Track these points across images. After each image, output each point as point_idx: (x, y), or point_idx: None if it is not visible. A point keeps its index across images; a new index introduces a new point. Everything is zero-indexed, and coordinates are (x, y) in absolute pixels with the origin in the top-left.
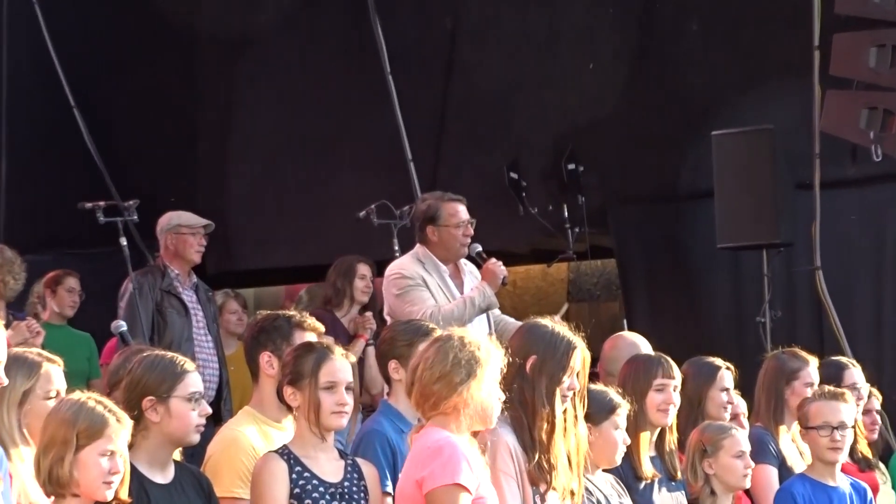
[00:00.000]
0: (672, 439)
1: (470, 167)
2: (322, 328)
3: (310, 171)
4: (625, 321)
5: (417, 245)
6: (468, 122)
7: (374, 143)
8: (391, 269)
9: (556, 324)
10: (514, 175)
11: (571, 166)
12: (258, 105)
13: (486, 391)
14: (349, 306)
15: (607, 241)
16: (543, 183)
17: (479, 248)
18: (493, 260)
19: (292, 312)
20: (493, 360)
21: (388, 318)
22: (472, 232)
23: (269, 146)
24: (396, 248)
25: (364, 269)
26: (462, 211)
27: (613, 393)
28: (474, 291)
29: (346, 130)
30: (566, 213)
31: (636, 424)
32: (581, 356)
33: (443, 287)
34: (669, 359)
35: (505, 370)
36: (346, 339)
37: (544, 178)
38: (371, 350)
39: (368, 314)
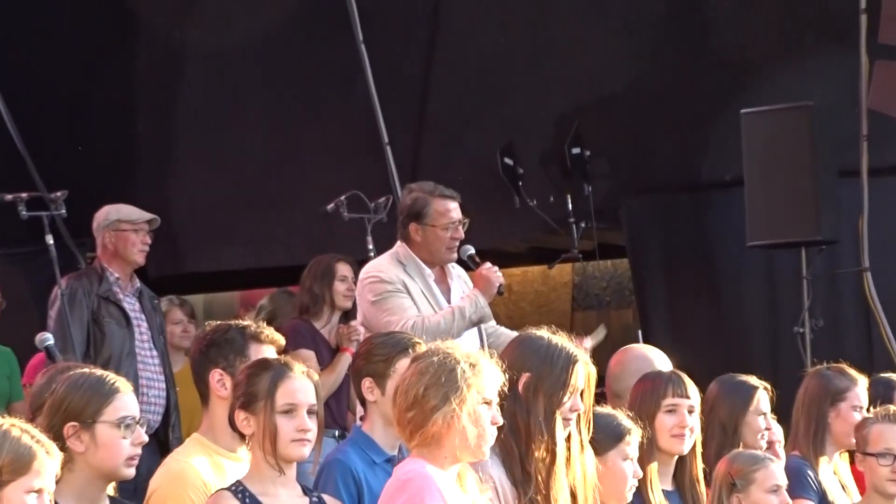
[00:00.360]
0: (696, 470)
1: (456, 151)
2: (282, 341)
3: (269, 157)
4: (639, 332)
5: (398, 243)
6: (454, 98)
7: (344, 124)
8: (366, 271)
9: (553, 334)
10: (508, 161)
11: (576, 150)
12: (207, 79)
13: (471, 417)
14: (329, 314)
15: (618, 239)
16: (543, 170)
17: (472, 251)
18: (488, 265)
19: (247, 322)
20: (485, 379)
21: (361, 330)
22: (462, 234)
23: (220, 127)
24: (371, 246)
25: (344, 270)
26: (454, 210)
27: (622, 417)
28: (465, 301)
29: (312, 109)
30: (570, 206)
31: (646, 453)
32: (585, 371)
33: (427, 294)
34: (683, 375)
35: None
36: (329, 352)
37: (544, 165)
38: None
39: (354, 323)
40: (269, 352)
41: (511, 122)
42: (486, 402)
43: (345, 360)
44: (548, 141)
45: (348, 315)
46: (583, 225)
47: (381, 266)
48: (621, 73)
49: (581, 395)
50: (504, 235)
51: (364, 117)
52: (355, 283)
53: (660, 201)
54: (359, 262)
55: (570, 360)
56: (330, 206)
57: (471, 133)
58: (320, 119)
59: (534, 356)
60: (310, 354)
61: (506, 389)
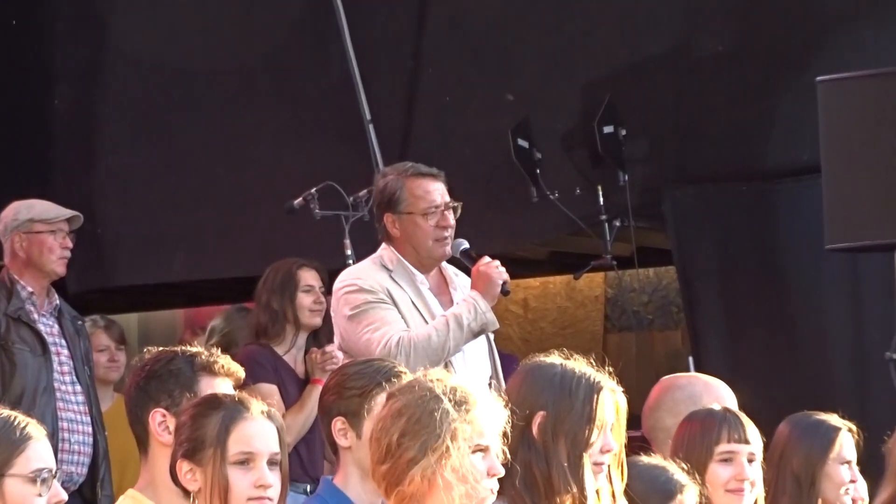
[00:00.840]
0: None
1: (458, 132)
2: (241, 372)
3: (221, 142)
4: (690, 359)
5: (382, 246)
6: (454, 64)
7: (316, 97)
8: (342, 279)
9: (566, 359)
10: (523, 143)
11: (608, 129)
12: (140, 38)
13: (457, 473)
14: (293, 335)
15: (662, 241)
16: (567, 154)
17: (466, 245)
18: (487, 259)
19: (196, 349)
20: (476, 421)
21: (339, 354)
22: (451, 222)
23: (161, 104)
24: (350, 251)
25: (310, 278)
26: (434, 190)
27: (675, 469)
28: (461, 306)
29: (273, 78)
30: (601, 199)
31: None
32: (613, 401)
33: (419, 305)
34: (741, 414)
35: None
36: (296, 385)
37: (568, 148)
38: None
39: (330, 347)
40: (224, 386)
41: (526, 94)
42: (481, 450)
43: (317, 394)
44: (573, 117)
45: (318, 336)
46: (617, 223)
47: (360, 272)
48: (665, 33)
49: (610, 430)
50: (518, 237)
51: (340, 91)
52: (325, 295)
53: (714, 193)
54: (335, 271)
55: (593, 389)
56: (297, 201)
57: (475, 109)
58: (285, 94)
59: (547, 389)
60: (271, 389)
61: (509, 431)
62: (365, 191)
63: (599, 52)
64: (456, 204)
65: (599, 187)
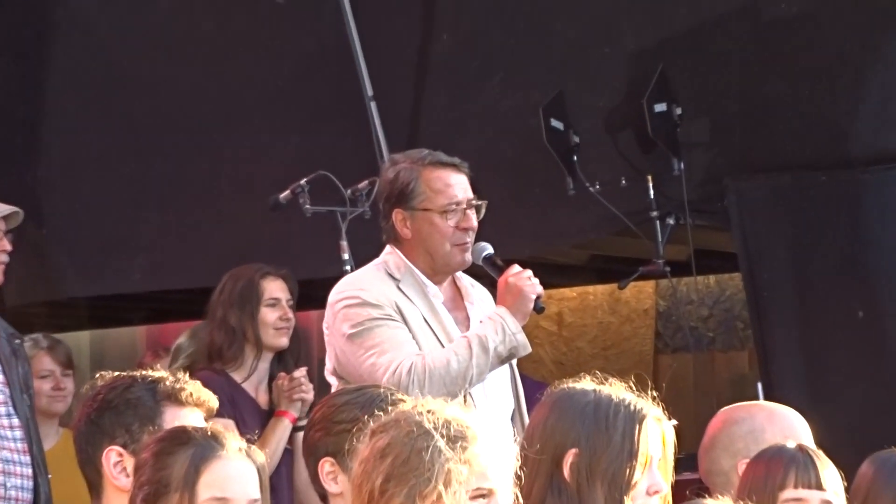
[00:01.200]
0: None
1: (477, 111)
2: (214, 401)
3: (191, 125)
4: (759, 386)
5: (388, 249)
6: (474, 28)
7: (305, 68)
8: (340, 289)
9: (601, 384)
10: (556, 123)
11: (660, 107)
12: (96, 6)
13: None
14: (255, 358)
15: (725, 242)
16: (610, 137)
17: (490, 251)
18: (517, 268)
19: (160, 374)
20: (476, 460)
21: (333, 380)
22: (474, 224)
23: (115, 79)
24: (347, 255)
25: (275, 289)
26: (456, 183)
27: None
28: (486, 325)
29: (252, 46)
30: (651, 192)
31: None
32: (659, 431)
33: (433, 323)
34: (816, 452)
35: (522, 477)
36: (257, 418)
37: (611, 129)
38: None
39: (300, 373)
40: (193, 418)
41: (560, 65)
42: (482, 495)
43: (282, 429)
44: (617, 93)
45: (284, 359)
46: (671, 221)
47: (363, 281)
48: None
49: (655, 465)
50: (550, 238)
51: (335, 60)
52: (293, 309)
53: (788, 185)
54: (329, 281)
55: (635, 419)
56: (284, 195)
57: (498, 82)
58: (267, 64)
59: (579, 421)
60: (226, 424)
61: (522, 471)
62: (366, 182)
63: (650, 13)
64: (480, 202)
65: (649, 177)
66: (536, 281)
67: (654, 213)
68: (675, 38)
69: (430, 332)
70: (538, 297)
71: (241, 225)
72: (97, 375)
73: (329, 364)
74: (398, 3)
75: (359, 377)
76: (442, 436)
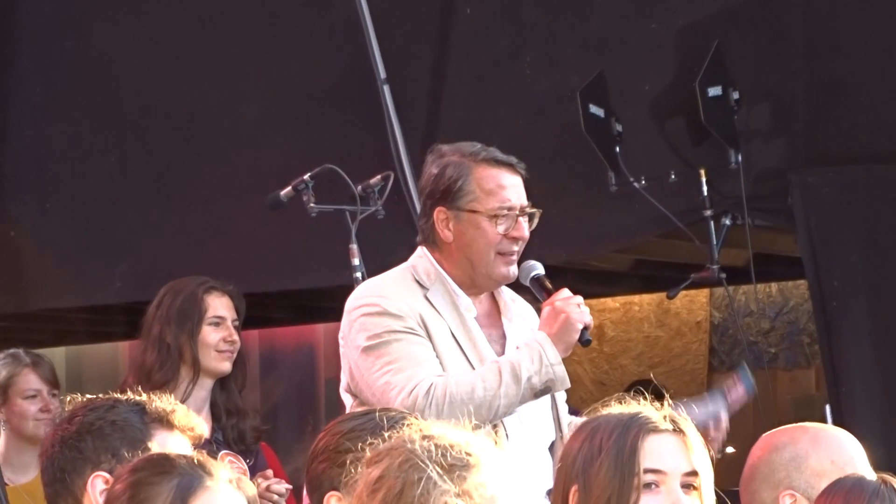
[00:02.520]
0: None
1: (507, 94)
2: (202, 427)
3: (177, 111)
4: (827, 408)
5: (418, 251)
6: (500, 4)
7: (309, 48)
8: (359, 295)
9: (623, 403)
10: (596, 110)
11: (714, 91)
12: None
13: None
14: (190, 383)
15: (789, 245)
16: (657, 125)
17: (540, 270)
18: (566, 293)
19: (146, 396)
20: (476, 493)
21: (347, 399)
22: (525, 234)
23: (92, 57)
24: (357, 260)
25: (220, 305)
26: (511, 186)
27: None
28: (522, 352)
29: (248, 21)
30: (704, 188)
31: None
32: (680, 444)
33: (462, 341)
34: None
35: None
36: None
37: (659, 116)
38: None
39: (275, 480)
40: (181, 444)
41: (599, 43)
42: None
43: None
44: (664, 75)
45: (226, 385)
46: (727, 222)
47: (385, 287)
48: None
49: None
50: (590, 241)
51: (343, 39)
52: (237, 330)
53: (861, 179)
54: (340, 291)
55: (629, 438)
56: (285, 192)
57: (530, 63)
58: (265, 44)
59: (578, 456)
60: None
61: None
62: (378, 177)
63: None
64: (534, 210)
65: (702, 171)
66: (587, 310)
67: (708, 213)
68: (732, 12)
69: (457, 349)
70: (585, 328)
71: (237, 226)
72: (71, 398)
73: (343, 379)
74: None
75: (372, 396)
76: (437, 465)
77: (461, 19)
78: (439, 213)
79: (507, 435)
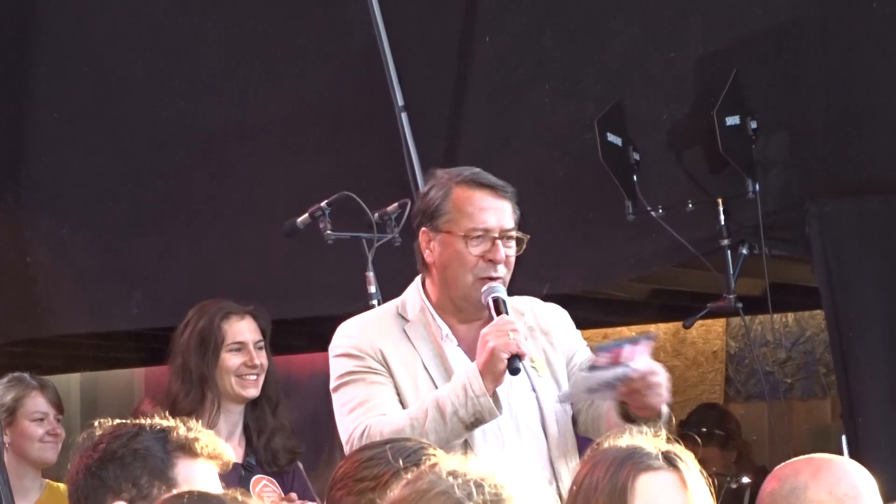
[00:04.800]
0: None
1: (523, 124)
2: (229, 454)
3: (194, 137)
4: (843, 439)
5: (417, 278)
6: (520, 30)
7: (327, 74)
8: (335, 335)
9: (623, 437)
10: (614, 138)
11: (732, 120)
12: (104, 24)
13: None
14: (214, 411)
15: (807, 275)
16: (674, 154)
17: (499, 293)
18: (502, 320)
19: (169, 423)
20: None
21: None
22: (502, 257)
23: (110, 80)
24: (374, 289)
25: (238, 331)
26: (490, 208)
27: None
28: (452, 384)
29: (264, 46)
30: (722, 217)
31: None
32: (674, 482)
33: (433, 369)
34: None
35: None
36: (230, 476)
37: (676, 146)
38: None
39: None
40: (208, 473)
41: (617, 71)
42: None
43: None
44: (682, 104)
45: (259, 405)
46: (744, 251)
47: (354, 326)
48: None
49: None
50: (607, 270)
51: (361, 64)
52: (264, 351)
53: (880, 209)
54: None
55: (630, 474)
56: (302, 219)
57: (548, 91)
58: (283, 69)
59: (582, 481)
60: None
61: None
62: (395, 204)
63: (720, 12)
64: (518, 235)
65: (720, 201)
66: (521, 337)
67: (725, 242)
68: (750, 41)
69: (429, 381)
70: (516, 356)
71: (253, 253)
72: (95, 423)
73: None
74: (433, 1)
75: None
76: (471, 499)
77: (480, 48)
78: (423, 235)
79: (473, 451)
